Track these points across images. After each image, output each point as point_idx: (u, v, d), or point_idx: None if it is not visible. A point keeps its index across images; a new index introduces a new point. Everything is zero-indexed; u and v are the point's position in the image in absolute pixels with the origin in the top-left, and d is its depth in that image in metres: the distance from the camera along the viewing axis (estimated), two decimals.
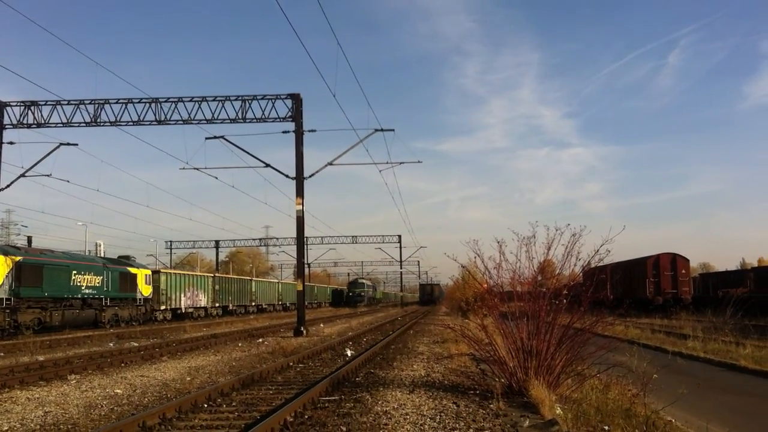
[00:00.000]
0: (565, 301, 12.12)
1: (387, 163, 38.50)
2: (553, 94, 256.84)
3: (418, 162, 43.94)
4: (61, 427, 10.03)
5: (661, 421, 10.71)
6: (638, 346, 14.74)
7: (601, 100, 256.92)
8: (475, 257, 13.02)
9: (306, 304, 75.18)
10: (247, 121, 32.82)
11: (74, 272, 34.58)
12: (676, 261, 49.61)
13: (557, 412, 10.09)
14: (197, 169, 34.97)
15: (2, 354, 22.16)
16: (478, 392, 12.17)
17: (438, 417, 10.06)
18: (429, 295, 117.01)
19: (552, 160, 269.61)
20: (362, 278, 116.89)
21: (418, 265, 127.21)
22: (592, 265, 12.53)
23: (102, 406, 11.83)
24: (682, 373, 16.22)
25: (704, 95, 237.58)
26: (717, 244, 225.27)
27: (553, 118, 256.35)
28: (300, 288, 32.99)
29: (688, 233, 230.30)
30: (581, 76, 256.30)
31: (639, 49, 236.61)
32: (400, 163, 38.66)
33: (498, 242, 12.70)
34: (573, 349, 11.77)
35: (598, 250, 11.99)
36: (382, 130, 34.99)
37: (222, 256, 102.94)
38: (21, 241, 54.06)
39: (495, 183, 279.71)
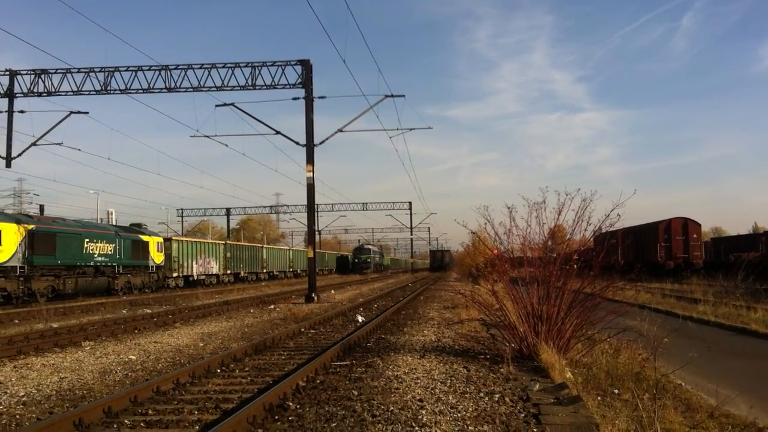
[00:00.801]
0: (575, 266, 12.11)
1: (397, 129, 38.22)
2: (566, 57, 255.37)
3: (429, 128, 43.56)
4: (77, 392, 10.17)
5: (670, 385, 10.76)
6: (649, 311, 14.77)
7: (614, 64, 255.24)
8: (485, 223, 13.01)
9: (317, 270, 75.07)
10: (257, 88, 32.66)
11: (87, 240, 34.80)
12: (687, 225, 49.40)
13: (567, 376, 10.15)
14: (208, 136, 35.00)
15: (17, 321, 22.42)
16: (488, 357, 12.22)
17: (449, 381, 10.13)
18: (439, 261, 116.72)
19: (564, 124, 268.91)
20: (368, 244, 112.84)
21: (429, 231, 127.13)
22: (603, 230, 12.51)
23: (116, 372, 11.97)
24: (692, 337, 16.25)
25: (719, 58, 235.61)
26: (729, 208, 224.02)
27: (565, 83, 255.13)
28: (311, 255, 33.08)
29: (700, 198, 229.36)
30: (594, 39, 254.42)
31: (652, 12, 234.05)
32: (411, 129, 38.13)
33: (508, 208, 12.68)
34: (583, 313, 11.79)
35: (608, 215, 11.97)
36: (392, 96, 34.77)
37: (233, 224, 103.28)
38: (33, 210, 54.35)
39: (506, 148, 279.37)
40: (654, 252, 49.40)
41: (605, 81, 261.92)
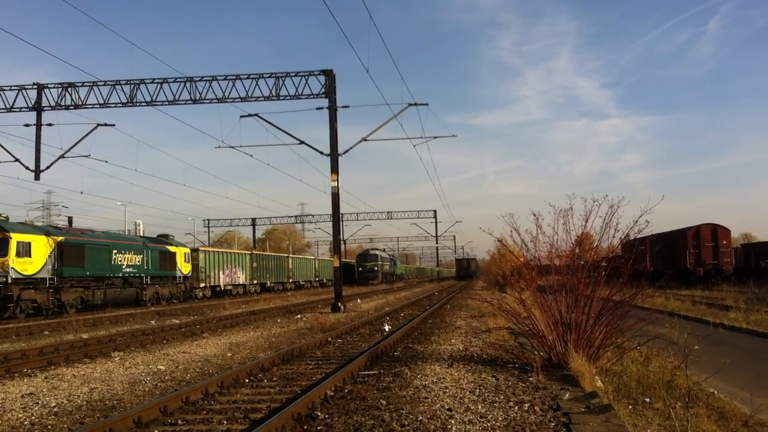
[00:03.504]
0: (603, 273, 12.00)
1: (421, 137, 37.98)
2: (591, 64, 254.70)
3: (453, 136, 43.41)
4: (107, 402, 10.23)
5: (703, 393, 10.62)
6: (679, 318, 14.59)
7: (640, 70, 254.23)
8: (511, 231, 12.93)
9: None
10: (281, 98, 32.79)
11: (115, 251, 35.11)
12: (716, 232, 48.85)
13: (597, 384, 10.05)
14: (233, 147, 35.05)
15: (47, 332, 22.64)
16: (517, 365, 12.13)
17: (477, 390, 10.06)
18: (465, 269, 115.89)
19: (589, 131, 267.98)
20: (375, 249, 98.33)
21: (454, 240, 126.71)
22: (631, 237, 12.39)
23: (146, 382, 12.03)
24: (724, 345, 16.04)
25: (746, 62, 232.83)
26: (759, 213, 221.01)
27: (590, 89, 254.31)
28: (337, 264, 33.13)
29: (730, 203, 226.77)
30: (619, 45, 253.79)
31: (677, 17, 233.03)
32: (435, 137, 37.95)
33: (534, 215, 12.60)
34: (612, 321, 11.67)
35: (636, 222, 11.85)
36: (416, 104, 34.72)
37: (258, 234, 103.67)
38: (62, 222, 54.98)
39: (531, 156, 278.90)
40: (683, 259, 48.89)
41: (631, 87, 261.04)
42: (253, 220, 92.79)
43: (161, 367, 13.85)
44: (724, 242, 49.03)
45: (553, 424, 7.89)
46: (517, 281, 15.63)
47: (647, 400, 9.83)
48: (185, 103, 33.27)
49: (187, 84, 33.10)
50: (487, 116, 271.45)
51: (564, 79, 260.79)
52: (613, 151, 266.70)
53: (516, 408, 8.77)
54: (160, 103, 33.20)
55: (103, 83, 33.42)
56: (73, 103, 33.62)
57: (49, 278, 29.69)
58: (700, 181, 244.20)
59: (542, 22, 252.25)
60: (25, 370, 13.57)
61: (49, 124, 34.23)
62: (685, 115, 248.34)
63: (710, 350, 12.88)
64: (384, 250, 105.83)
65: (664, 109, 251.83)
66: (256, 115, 33.48)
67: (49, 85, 33.92)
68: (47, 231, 31.24)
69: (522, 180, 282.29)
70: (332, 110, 32.07)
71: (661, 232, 48.74)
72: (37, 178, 34.17)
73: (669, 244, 49.81)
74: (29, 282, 28.70)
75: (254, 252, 62.16)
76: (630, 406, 9.38)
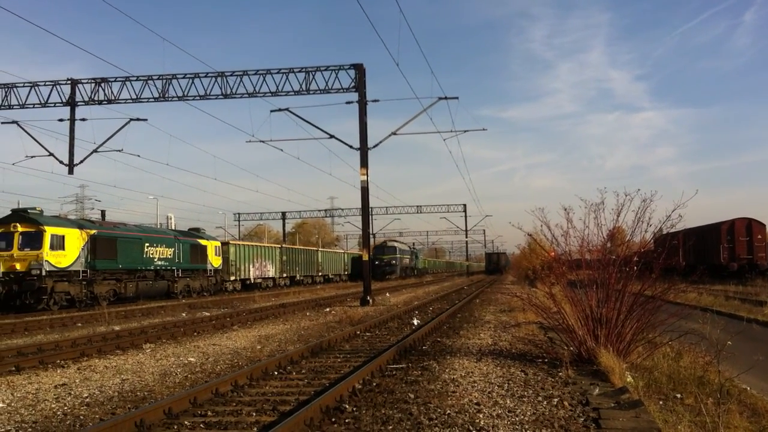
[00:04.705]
0: (635, 268, 11.87)
1: (451, 131, 37.82)
2: (624, 56, 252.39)
3: (483, 130, 43.36)
4: (138, 393, 10.34)
5: (735, 389, 10.46)
6: (711, 313, 14.40)
7: (674, 62, 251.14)
8: (541, 225, 12.84)
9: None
10: (311, 92, 32.84)
11: (147, 245, 35.50)
12: (751, 226, 48.08)
13: (628, 380, 9.94)
14: (263, 141, 35.24)
15: (80, 324, 22.95)
16: (546, 360, 12.07)
17: (506, 385, 10.02)
18: (495, 264, 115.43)
19: (622, 124, 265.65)
20: (394, 241, 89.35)
21: (484, 234, 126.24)
22: (664, 232, 12.24)
23: (176, 374, 12.15)
24: (758, 341, 15.80)
25: None
26: None
27: (623, 82, 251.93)
28: (366, 258, 33.17)
29: (765, 197, 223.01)
30: (653, 37, 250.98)
31: (713, 8, 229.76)
32: (465, 131, 38.07)
33: (565, 209, 12.50)
34: (644, 316, 11.54)
35: (669, 216, 11.70)
36: (446, 98, 34.61)
37: (288, 228, 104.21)
38: (95, 216, 55.62)
39: (563, 149, 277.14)
40: (717, 253, 48.20)
41: (665, 79, 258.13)
42: (283, 213, 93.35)
43: (192, 359, 13.98)
44: (759, 237, 48.23)
45: (582, 419, 7.83)
46: (547, 276, 15.53)
47: (678, 395, 9.72)
48: (216, 98, 33.48)
49: (218, 79, 33.30)
50: (518, 109, 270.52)
51: (596, 71, 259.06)
52: (645, 145, 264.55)
53: (545, 403, 8.72)
54: (191, 98, 33.45)
55: (135, 78, 33.73)
56: (106, 98, 33.97)
57: (83, 271, 30.13)
58: (734, 175, 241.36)
59: (575, 14, 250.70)
60: (59, 361, 13.77)
61: (83, 119, 34.65)
62: (720, 108, 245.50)
63: (743, 346, 12.71)
64: (413, 244, 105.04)
65: (698, 102, 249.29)
66: (287, 109, 33.58)
67: (82, 81, 34.30)
68: (80, 224, 31.68)
69: (553, 174, 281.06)
70: (362, 104, 32.08)
71: (695, 226, 48.16)
72: (70, 172, 34.60)
73: (702, 238, 49.13)
74: (63, 274, 29.13)
75: (284, 245, 62.49)
76: (660, 402, 9.27)
